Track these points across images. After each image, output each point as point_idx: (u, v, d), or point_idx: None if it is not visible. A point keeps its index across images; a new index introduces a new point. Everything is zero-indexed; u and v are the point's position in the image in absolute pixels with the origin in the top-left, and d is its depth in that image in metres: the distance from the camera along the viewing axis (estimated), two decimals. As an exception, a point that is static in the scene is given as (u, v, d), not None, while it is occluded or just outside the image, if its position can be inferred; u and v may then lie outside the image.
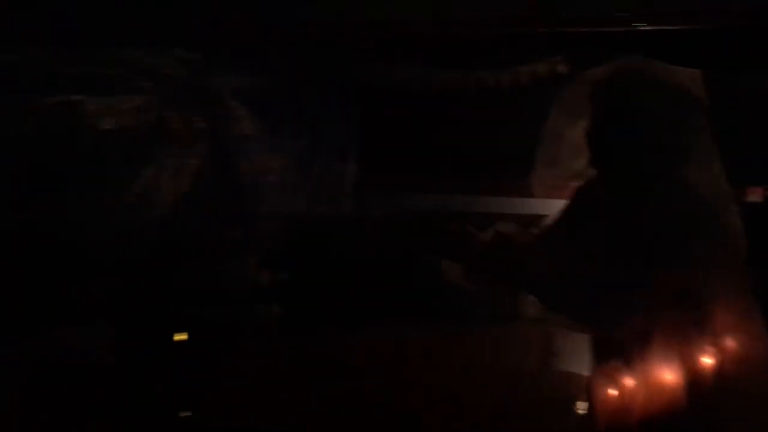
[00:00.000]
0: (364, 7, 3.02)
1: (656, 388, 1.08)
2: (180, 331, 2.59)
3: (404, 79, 3.10)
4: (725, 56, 2.35)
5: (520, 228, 1.14)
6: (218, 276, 2.76)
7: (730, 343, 1.27)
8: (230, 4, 2.91)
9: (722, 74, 2.10)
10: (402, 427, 2.34)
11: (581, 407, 1.23)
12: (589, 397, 0.97)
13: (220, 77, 2.93)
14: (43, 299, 2.51)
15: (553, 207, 2.33)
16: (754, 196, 2.20)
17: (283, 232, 2.96)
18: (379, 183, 3.20)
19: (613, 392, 1.06)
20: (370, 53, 3.08)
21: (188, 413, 2.36)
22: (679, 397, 1.12)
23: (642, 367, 1.10)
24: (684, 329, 1.27)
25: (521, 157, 2.79)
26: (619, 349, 0.97)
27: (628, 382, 0.97)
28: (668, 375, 1.13)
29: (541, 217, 2.27)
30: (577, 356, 1.83)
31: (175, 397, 2.44)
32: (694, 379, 1.17)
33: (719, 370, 1.22)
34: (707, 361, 1.20)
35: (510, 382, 2.13)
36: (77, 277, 2.55)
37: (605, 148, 1.10)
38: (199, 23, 2.81)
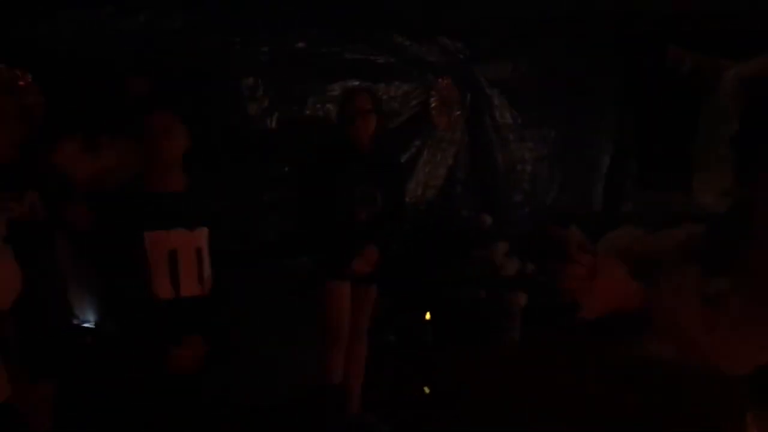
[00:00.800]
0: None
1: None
2: (427, 309, 2.74)
3: (667, 72, 2.99)
4: None
5: (643, 242, 0.96)
6: (467, 260, 2.86)
7: None
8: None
9: None
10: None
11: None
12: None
13: (481, 66, 3.02)
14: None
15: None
16: None
17: (533, 222, 3.00)
18: (635, 178, 3.12)
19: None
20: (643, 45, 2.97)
21: (427, 389, 2.48)
22: None
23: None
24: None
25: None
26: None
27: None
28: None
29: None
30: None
31: (414, 370, 2.59)
32: None
33: None
34: None
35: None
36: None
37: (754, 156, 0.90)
38: (463, 13, 2.88)
